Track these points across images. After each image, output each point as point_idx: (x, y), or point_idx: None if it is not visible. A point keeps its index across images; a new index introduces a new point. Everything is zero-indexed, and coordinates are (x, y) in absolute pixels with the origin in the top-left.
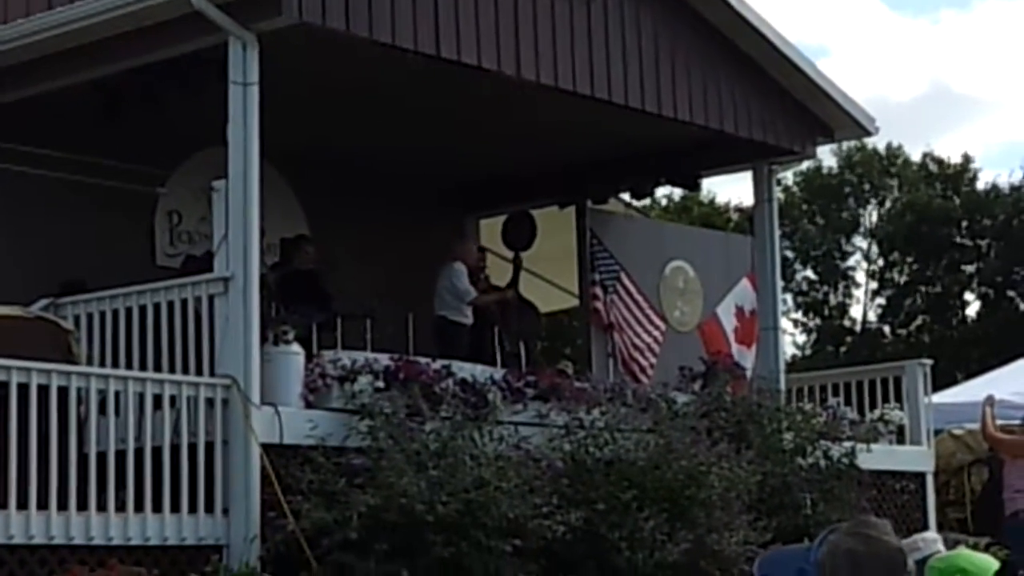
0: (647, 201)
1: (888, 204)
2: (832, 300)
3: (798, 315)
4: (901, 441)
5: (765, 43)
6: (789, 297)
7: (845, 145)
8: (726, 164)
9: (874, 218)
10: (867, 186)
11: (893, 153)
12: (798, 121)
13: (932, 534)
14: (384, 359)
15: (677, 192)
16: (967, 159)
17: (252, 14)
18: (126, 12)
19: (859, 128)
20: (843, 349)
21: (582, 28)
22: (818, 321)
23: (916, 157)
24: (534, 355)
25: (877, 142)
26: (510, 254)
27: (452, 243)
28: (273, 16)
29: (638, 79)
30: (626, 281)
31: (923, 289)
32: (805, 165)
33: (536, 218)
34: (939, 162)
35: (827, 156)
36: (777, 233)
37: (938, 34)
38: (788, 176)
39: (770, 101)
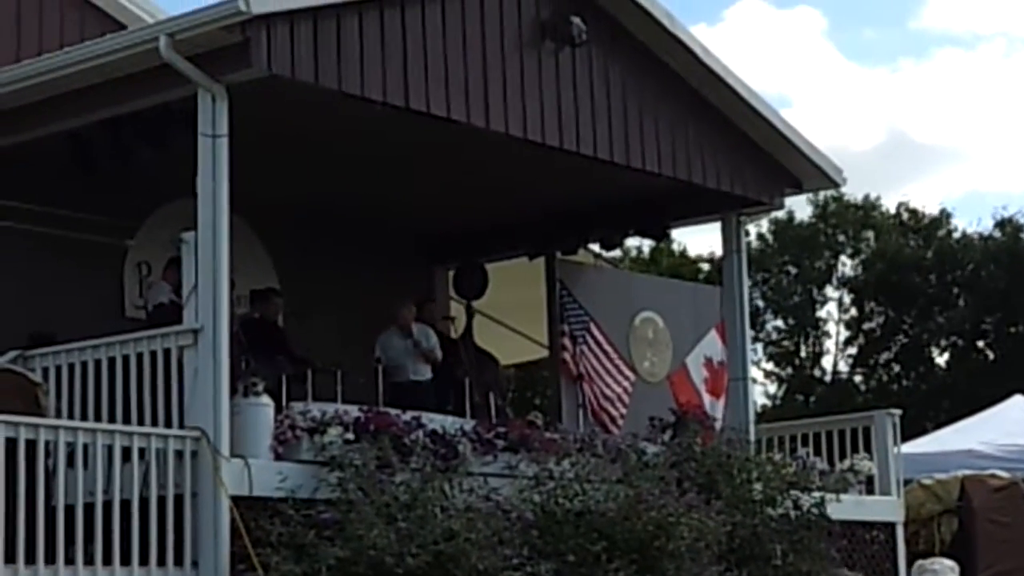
0: (616, 252)
1: (862, 255)
2: (803, 350)
3: (769, 365)
4: (871, 491)
5: (732, 94)
6: (760, 347)
7: (821, 195)
8: (695, 215)
9: (847, 268)
10: (841, 236)
11: (870, 204)
12: (766, 172)
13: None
14: (354, 411)
15: (646, 243)
16: (944, 212)
17: (221, 66)
18: (96, 64)
19: (827, 179)
20: (813, 399)
21: (550, 80)
22: (789, 371)
23: (886, 207)
24: (501, 405)
25: (854, 192)
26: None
27: (420, 295)
28: (242, 68)
29: (606, 130)
30: (596, 332)
31: (894, 339)
32: (779, 214)
33: (505, 269)
34: (913, 212)
35: (802, 207)
36: (746, 284)
37: (897, 83)
38: (763, 225)
39: (738, 152)
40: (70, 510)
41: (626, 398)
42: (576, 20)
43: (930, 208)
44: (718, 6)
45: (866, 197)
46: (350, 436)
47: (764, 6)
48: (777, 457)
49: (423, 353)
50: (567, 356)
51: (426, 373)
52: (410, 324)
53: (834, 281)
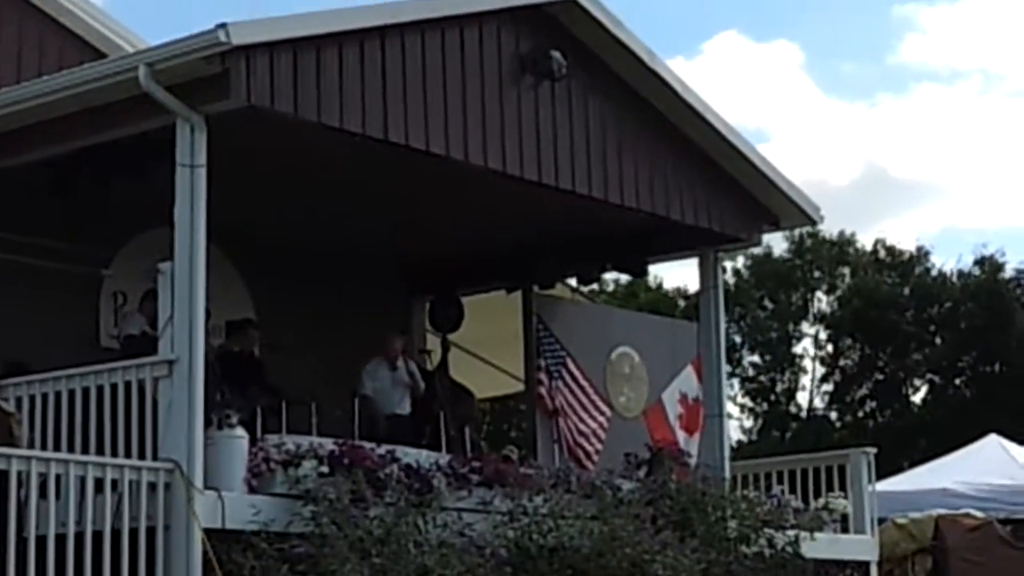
0: (594, 286)
1: (839, 291)
2: (779, 386)
3: (745, 400)
4: (845, 530)
5: (711, 131)
6: (736, 382)
7: (797, 231)
8: (672, 251)
9: (823, 304)
10: (817, 272)
11: (846, 240)
12: (744, 209)
13: None
14: (329, 444)
15: (624, 277)
16: (921, 249)
17: (200, 97)
18: (74, 93)
19: (805, 217)
20: (788, 435)
21: (530, 114)
22: (765, 407)
23: (862, 244)
24: (475, 440)
25: (831, 228)
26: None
27: (397, 328)
28: (221, 99)
29: (585, 165)
30: (572, 366)
31: (870, 376)
32: (756, 249)
33: (482, 302)
34: (890, 249)
35: (778, 242)
36: (723, 320)
37: (874, 118)
38: (739, 261)
39: (716, 189)
40: (42, 541)
41: (602, 433)
42: (556, 54)
43: (907, 243)
44: (696, 39)
45: (841, 233)
46: (324, 469)
47: (742, 40)
48: (752, 495)
49: (409, 386)
50: (543, 390)
51: (407, 407)
52: (398, 356)
53: (810, 317)
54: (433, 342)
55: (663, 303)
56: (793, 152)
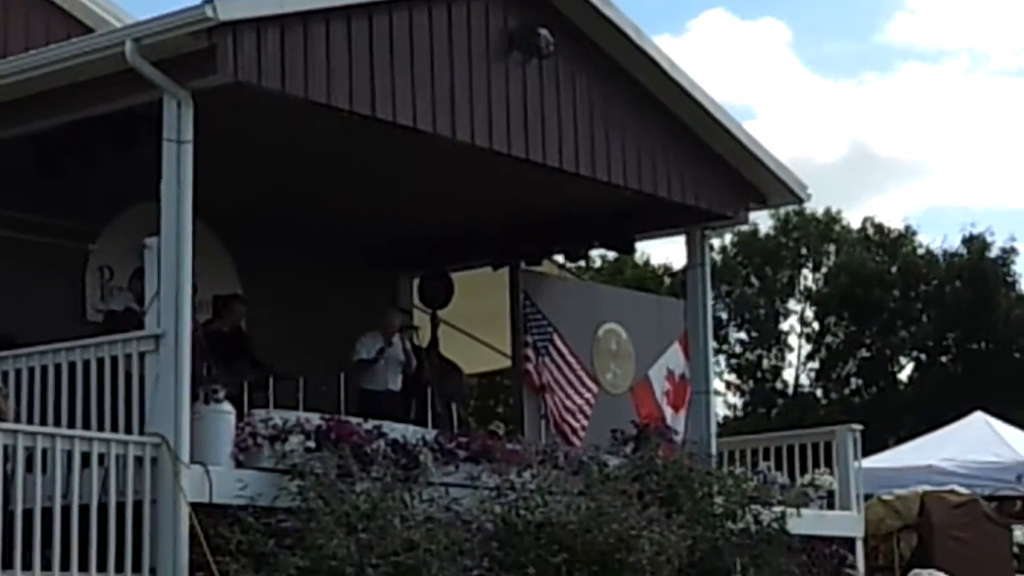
0: (581, 263)
1: (824, 268)
2: (765, 363)
3: (731, 377)
4: (831, 506)
5: (698, 108)
6: (722, 359)
7: (783, 209)
8: (659, 228)
9: (809, 282)
10: (804, 250)
11: (832, 218)
12: (731, 187)
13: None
14: (316, 419)
15: (611, 254)
16: (908, 228)
17: (187, 72)
18: (61, 67)
19: (792, 195)
20: (775, 411)
21: (517, 91)
22: (751, 383)
23: (848, 221)
24: (462, 416)
25: (816, 206)
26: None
27: (383, 303)
28: (208, 75)
29: (572, 142)
30: (559, 343)
31: (856, 353)
32: (742, 227)
33: (469, 278)
34: (879, 227)
35: (764, 219)
36: (710, 297)
37: (860, 96)
38: (726, 238)
39: (703, 166)
40: (28, 515)
41: (588, 410)
42: (544, 32)
43: (892, 222)
44: (683, 17)
45: (827, 211)
46: (311, 444)
47: (729, 17)
48: (738, 471)
49: (402, 363)
50: (530, 367)
51: (399, 383)
52: (395, 333)
53: (797, 294)
54: (420, 318)
55: (650, 280)
56: (779, 130)
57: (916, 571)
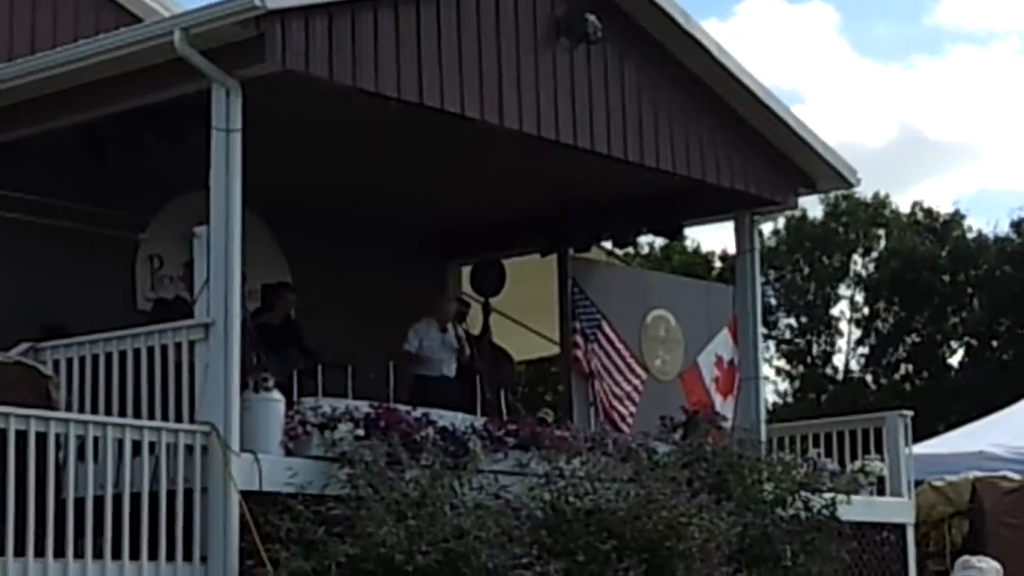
0: (629, 249)
1: (875, 253)
2: (815, 349)
3: (781, 363)
4: (881, 492)
5: (747, 93)
6: (772, 344)
7: (832, 194)
8: (708, 214)
9: (859, 267)
10: (853, 235)
11: (880, 202)
12: (780, 172)
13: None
14: (364, 407)
15: (659, 240)
16: (958, 212)
17: (236, 61)
18: (110, 57)
19: (841, 179)
20: (825, 397)
21: (565, 78)
22: (801, 369)
23: (896, 205)
24: (511, 403)
25: (865, 191)
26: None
27: (432, 291)
28: (257, 63)
29: (620, 128)
30: (607, 329)
31: (906, 339)
32: (792, 213)
33: (518, 266)
34: (927, 211)
35: (814, 205)
36: (759, 283)
37: (910, 80)
38: (779, 222)
39: (752, 151)
40: (80, 503)
41: (636, 396)
42: (591, 17)
43: (942, 206)
44: (730, 1)
45: (876, 195)
46: (360, 432)
47: (775, 1)
48: (788, 457)
49: (456, 350)
50: (578, 353)
51: (453, 370)
52: (450, 320)
53: (847, 280)
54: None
55: (698, 266)
56: (827, 114)
57: (965, 557)
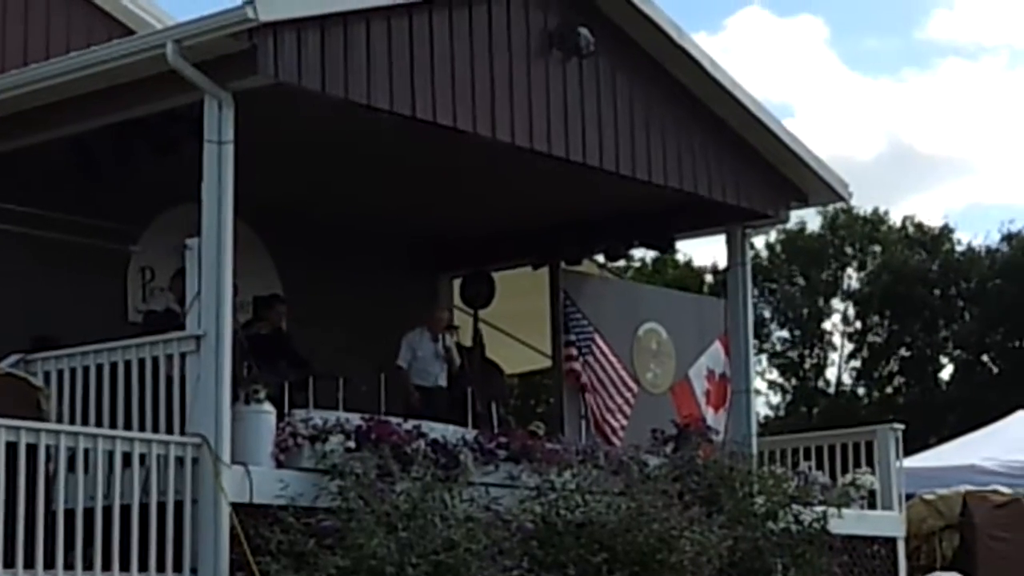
0: (621, 262)
1: (868, 267)
2: (807, 362)
3: (773, 376)
4: (873, 506)
5: (739, 107)
6: (764, 357)
7: (830, 207)
8: (700, 227)
9: (852, 281)
10: (849, 249)
11: (878, 217)
12: (772, 185)
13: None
14: (356, 419)
15: (651, 254)
16: (947, 226)
17: (228, 73)
18: (102, 69)
19: (833, 193)
20: (816, 411)
21: (558, 91)
22: (793, 382)
23: (893, 222)
24: (503, 416)
25: (862, 205)
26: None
27: (424, 303)
28: (249, 75)
29: (613, 142)
30: (599, 342)
31: (898, 352)
32: (789, 225)
33: (510, 278)
34: (918, 226)
35: (812, 217)
36: (751, 296)
37: (900, 93)
38: (772, 235)
39: (744, 165)
40: (70, 515)
41: (628, 409)
42: (584, 31)
43: (932, 219)
44: (719, 15)
45: (875, 211)
46: (351, 444)
47: (766, 15)
48: (779, 471)
49: (448, 360)
50: (572, 366)
51: (445, 380)
52: (443, 329)
53: (839, 293)
54: (460, 318)
55: (690, 279)
56: (817, 128)
57: (936, 574)
